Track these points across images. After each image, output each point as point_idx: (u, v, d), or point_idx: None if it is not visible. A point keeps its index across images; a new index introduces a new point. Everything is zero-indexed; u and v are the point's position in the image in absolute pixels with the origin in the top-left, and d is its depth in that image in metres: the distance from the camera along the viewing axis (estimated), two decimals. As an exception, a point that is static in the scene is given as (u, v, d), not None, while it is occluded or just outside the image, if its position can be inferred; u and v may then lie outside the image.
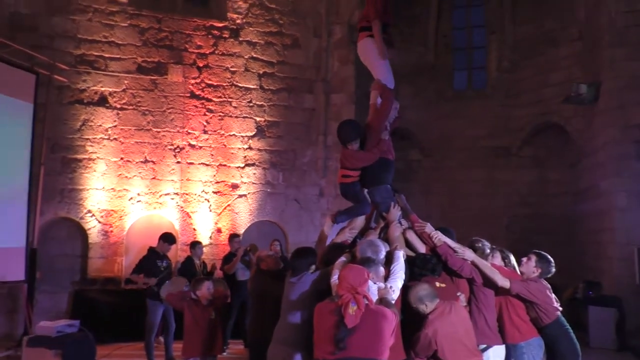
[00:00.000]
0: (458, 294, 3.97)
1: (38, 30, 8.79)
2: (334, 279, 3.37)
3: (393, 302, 3.30)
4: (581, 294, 8.74)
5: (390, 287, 3.36)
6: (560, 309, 4.23)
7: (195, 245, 8.03)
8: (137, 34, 9.43)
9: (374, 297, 3.20)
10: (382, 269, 3.53)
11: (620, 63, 9.07)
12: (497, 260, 4.37)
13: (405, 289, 3.66)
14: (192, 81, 9.69)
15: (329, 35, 10.49)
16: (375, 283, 3.33)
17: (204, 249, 9.30)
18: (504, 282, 4.00)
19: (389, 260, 3.71)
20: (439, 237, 4.02)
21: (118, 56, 9.30)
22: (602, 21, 9.50)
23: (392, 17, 4.88)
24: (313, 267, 3.85)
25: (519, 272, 4.37)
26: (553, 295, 4.20)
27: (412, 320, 3.61)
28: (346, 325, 2.92)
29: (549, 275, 4.29)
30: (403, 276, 3.57)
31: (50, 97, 8.40)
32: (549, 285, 4.22)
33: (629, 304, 8.34)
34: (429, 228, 4.09)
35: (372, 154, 4.36)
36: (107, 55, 9.23)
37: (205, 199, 9.64)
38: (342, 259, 3.75)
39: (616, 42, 9.11)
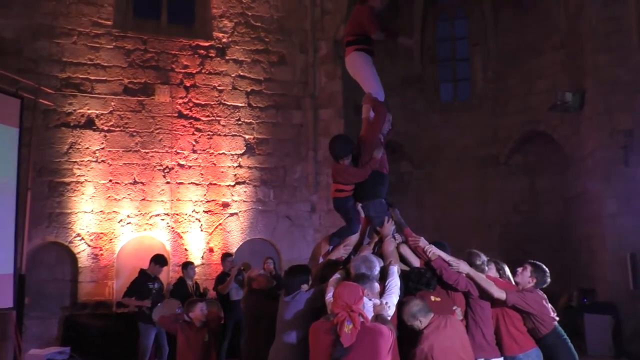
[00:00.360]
0: (454, 307, 3.93)
1: (23, 55, 8.73)
2: (329, 296, 3.33)
3: (389, 318, 3.26)
4: (576, 302, 8.74)
5: (386, 303, 3.32)
6: (557, 318, 4.20)
7: (187, 265, 7.94)
8: (123, 56, 9.41)
9: (370, 314, 3.15)
10: (377, 285, 3.49)
11: (603, 69, 9.19)
12: (492, 271, 4.35)
13: (399, 305, 3.62)
14: (180, 101, 9.66)
15: (315, 51, 10.54)
16: (370, 299, 3.29)
17: (197, 269, 9.22)
18: (500, 294, 3.97)
19: (383, 276, 3.67)
20: (433, 251, 3.99)
21: (104, 78, 9.26)
22: (583, 29, 9.64)
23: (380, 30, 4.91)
24: (306, 285, 3.80)
25: (514, 283, 4.34)
26: (549, 305, 4.17)
27: (408, 336, 3.57)
28: (342, 344, 2.88)
29: (545, 286, 4.26)
30: (398, 291, 3.53)
31: (36, 121, 8.32)
32: (545, 296, 4.19)
33: (624, 310, 8.35)
34: (422, 242, 4.06)
35: (365, 169, 4.34)
36: (93, 78, 9.19)
37: (196, 219, 9.56)
38: (337, 275, 3.71)
39: (599, 49, 9.24)
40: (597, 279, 9.30)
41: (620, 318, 8.28)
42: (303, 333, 3.43)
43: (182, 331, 4.83)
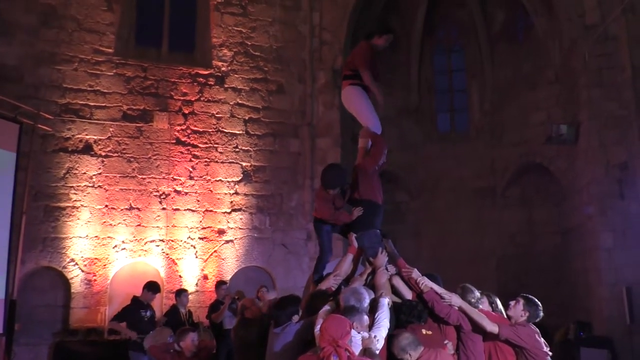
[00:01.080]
0: (445, 342, 3.89)
1: (24, 81, 8.84)
2: (317, 329, 3.30)
3: (377, 352, 3.23)
4: (573, 335, 8.64)
5: (374, 336, 3.29)
6: (550, 353, 4.16)
7: (180, 293, 7.88)
8: (123, 83, 9.52)
9: (358, 348, 3.13)
10: (366, 318, 3.46)
11: (597, 103, 9.31)
12: (485, 305, 4.32)
13: (389, 338, 3.59)
14: (178, 128, 9.73)
15: (313, 80, 10.67)
16: (359, 332, 3.26)
17: (190, 297, 9.14)
18: (492, 328, 3.94)
19: (373, 308, 3.65)
20: (426, 283, 3.97)
21: (103, 104, 9.35)
22: (576, 64, 9.80)
23: (378, 72, 4.98)
24: (296, 317, 3.77)
25: (506, 317, 4.31)
26: (542, 340, 4.13)
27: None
28: (329, 378, 2.84)
29: (538, 320, 4.23)
30: (388, 324, 3.51)
31: (34, 145, 8.37)
32: (537, 330, 4.15)
33: (620, 345, 8.26)
34: (415, 274, 4.05)
35: (348, 216, 4.39)
36: (92, 104, 9.27)
37: (192, 245, 9.52)
38: (327, 307, 3.68)
39: (592, 84, 9.38)
40: (594, 313, 9.22)
41: (616, 353, 8.19)
42: (291, 365, 3.39)
43: None
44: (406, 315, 3.85)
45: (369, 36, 4.96)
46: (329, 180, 4.42)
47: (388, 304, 3.69)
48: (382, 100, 4.85)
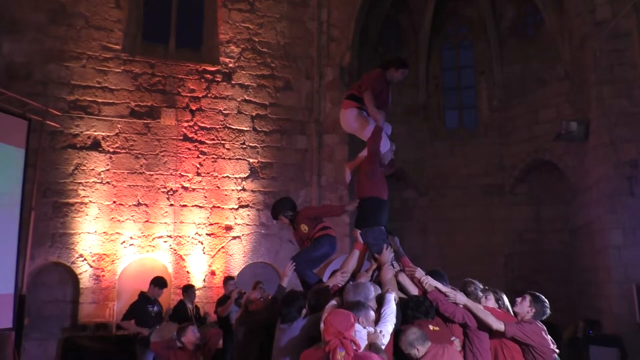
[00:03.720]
0: (452, 338, 3.88)
1: (32, 78, 8.89)
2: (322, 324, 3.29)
3: (383, 347, 3.22)
4: (582, 334, 8.56)
5: (380, 331, 3.28)
6: (557, 351, 4.13)
7: (188, 288, 7.92)
8: (131, 79, 9.55)
9: (364, 342, 3.12)
10: (372, 313, 3.46)
11: (607, 100, 9.20)
12: (491, 302, 4.29)
13: (396, 333, 3.57)
14: (185, 124, 9.76)
15: (321, 77, 10.65)
16: (365, 327, 3.26)
17: (198, 292, 9.18)
18: (498, 325, 3.92)
19: (379, 303, 3.64)
20: (429, 283, 3.96)
21: (111, 101, 9.39)
22: (587, 61, 9.69)
23: (386, 101, 4.90)
24: (304, 311, 3.77)
25: (512, 313, 4.28)
26: (549, 337, 4.10)
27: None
28: (336, 371, 2.84)
29: (544, 317, 4.20)
30: (394, 319, 3.50)
31: (42, 142, 8.42)
32: (544, 327, 4.12)
33: (630, 343, 8.17)
34: (419, 273, 4.04)
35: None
36: (100, 100, 9.32)
37: (199, 241, 9.55)
38: (333, 302, 3.68)
39: (602, 81, 9.26)
40: (603, 311, 9.14)
41: (626, 351, 8.11)
42: (297, 360, 3.39)
43: (174, 357, 4.77)
44: (413, 311, 3.84)
45: (386, 66, 4.90)
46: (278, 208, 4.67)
47: (394, 300, 3.67)
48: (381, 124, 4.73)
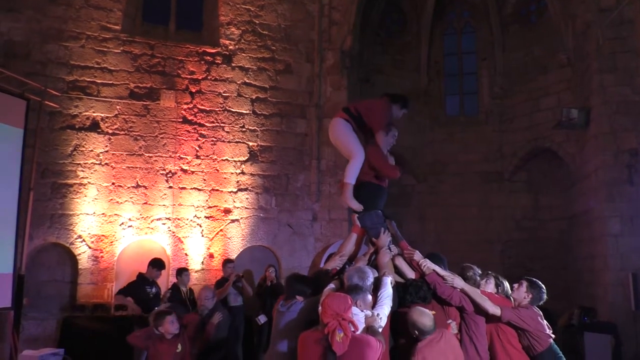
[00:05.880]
0: (449, 321, 3.91)
1: (31, 57, 8.81)
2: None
3: (380, 330, 3.24)
4: (577, 320, 8.63)
5: (377, 314, 3.30)
6: (553, 336, 4.16)
7: (181, 272, 7.93)
8: (130, 60, 9.48)
9: (362, 325, 3.14)
10: (369, 297, 3.47)
11: (609, 88, 9.17)
12: (491, 286, 4.32)
13: (395, 315, 3.60)
14: (185, 106, 9.71)
15: (322, 61, 10.58)
16: (362, 311, 3.27)
17: (196, 275, 9.23)
18: (494, 310, 3.95)
19: (376, 287, 3.66)
20: (428, 266, 3.98)
21: (110, 82, 9.32)
22: (590, 48, 9.63)
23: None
24: (302, 297, 3.80)
25: (512, 299, 4.31)
26: (545, 322, 4.14)
27: (404, 348, 3.55)
28: (335, 352, 2.86)
29: (541, 303, 4.23)
30: (390, 303, 3.52)
31: (41, 122, 8.37)
32: (540, 312, 4.15)
33: (624, 330, 8.25)
34: (417, 256, 4.05)
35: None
36: (99, 81, 9.25)
37: (198, 224, 9.56)
38: (331, 285, 3.70)
39: (605, 68, 9.21)
40: (598, 299, 9.21)
41: (621, 338, 8.18)
42: (295, 343, 3.41)
43: (153, 347, 4.74)
44: (412, 296, 3.87)
45: (394, 100, 4.81)
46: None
47: (391, 283, 3.69)
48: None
